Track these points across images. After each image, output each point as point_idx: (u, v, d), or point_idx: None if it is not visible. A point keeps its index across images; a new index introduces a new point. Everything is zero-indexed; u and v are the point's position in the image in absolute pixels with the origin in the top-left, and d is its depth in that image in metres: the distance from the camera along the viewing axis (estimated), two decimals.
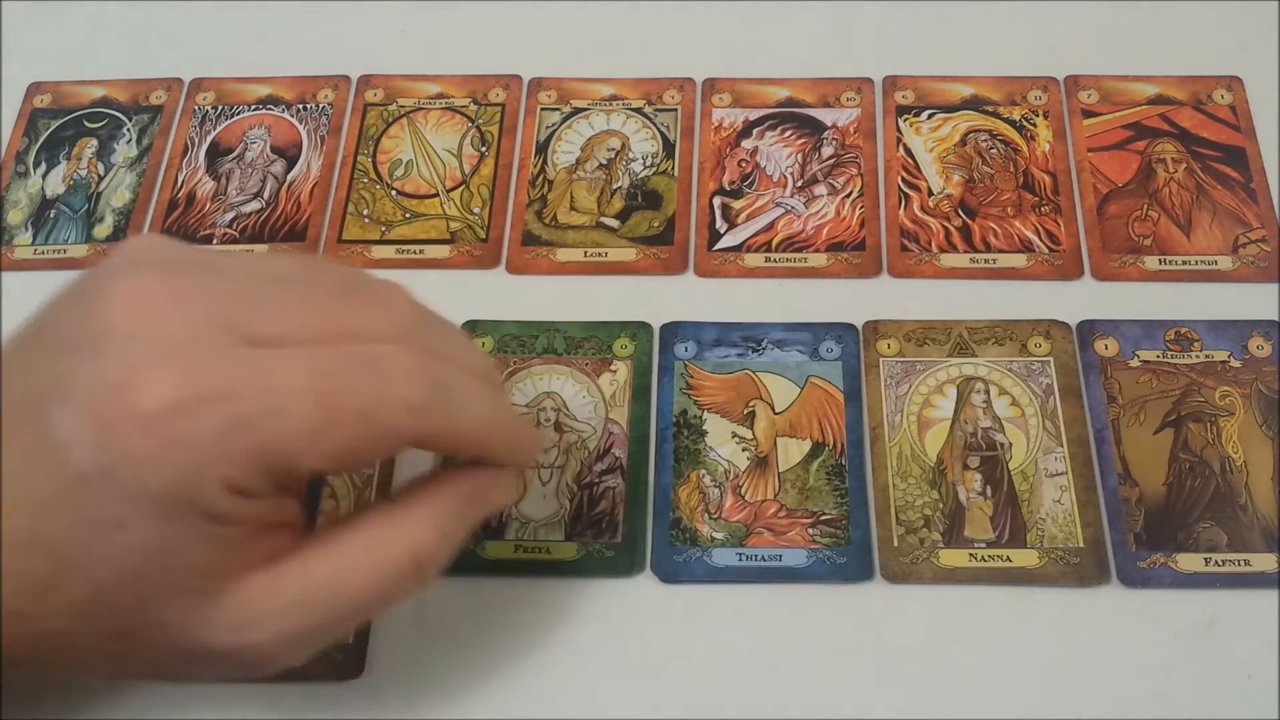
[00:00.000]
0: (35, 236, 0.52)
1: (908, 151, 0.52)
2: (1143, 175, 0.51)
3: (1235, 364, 0.46)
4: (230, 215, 0.52)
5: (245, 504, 0.30)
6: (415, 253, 0.51)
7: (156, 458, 0.28)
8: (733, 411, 0.46)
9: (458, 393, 0.32)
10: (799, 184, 0.51)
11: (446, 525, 0.33)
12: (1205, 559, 0.42)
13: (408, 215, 0.52)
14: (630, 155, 0.53)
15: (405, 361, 0.31)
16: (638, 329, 0.48)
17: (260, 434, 0.29)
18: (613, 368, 0.47)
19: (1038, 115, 0.53)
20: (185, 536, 0.29)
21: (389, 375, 0.31)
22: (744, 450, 0.45)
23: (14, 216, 0.52)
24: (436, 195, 0.52)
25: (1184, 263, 0.48)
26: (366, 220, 0.51)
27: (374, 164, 0.53)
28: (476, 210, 0.52)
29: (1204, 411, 0.45)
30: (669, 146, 0.53)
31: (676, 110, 0.54)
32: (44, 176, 0.54)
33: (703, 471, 0.44)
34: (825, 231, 0.50)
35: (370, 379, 0.31)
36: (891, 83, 0.54)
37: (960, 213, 0.50)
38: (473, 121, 0.54)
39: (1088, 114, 0.53)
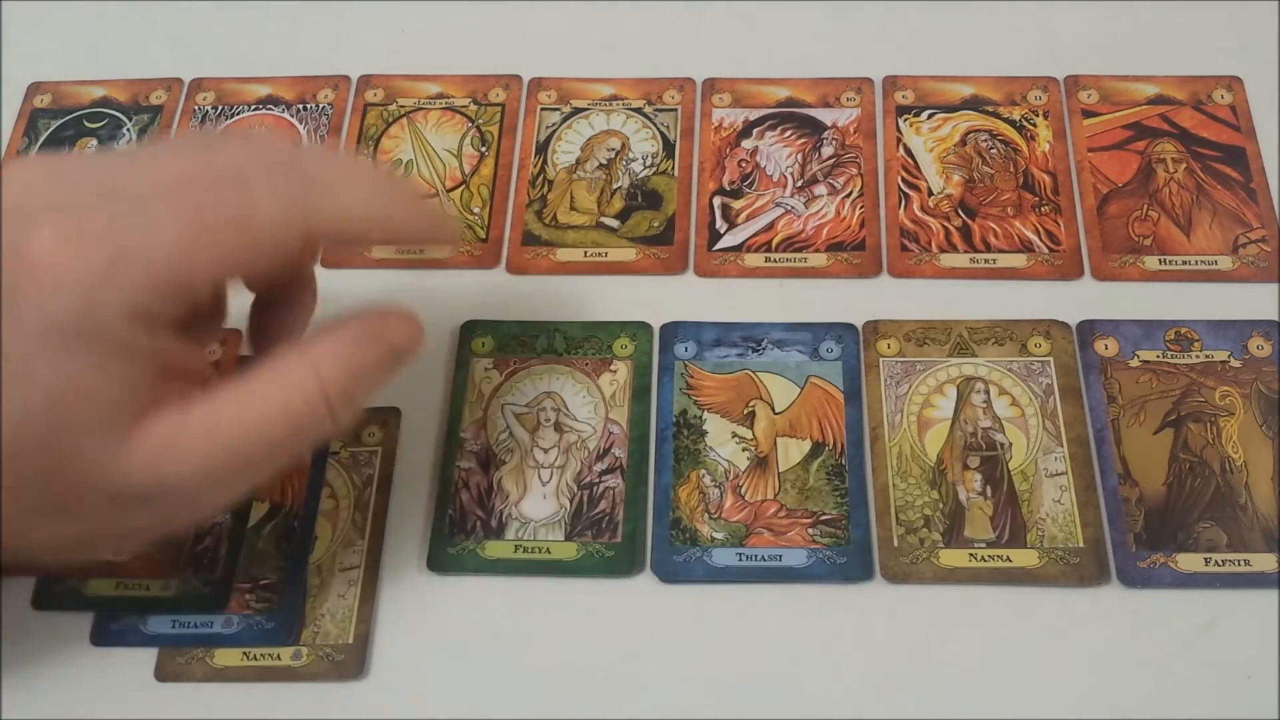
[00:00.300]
0: None
1: (908, 151, 0.52)
2: (1143, 175, 0.51)
3: (1235, 364, 0.46)
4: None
5: (150, 335, 0.32)
6: (415, 253, 0.50)
7: (52, 294, 0.31)
8: (733, 411, 0.46)
9: (330, 177, 0.35)
10: (799, 184, 0.51)
11: (349, 357, 0.35)
12: (1205, 559, 0.42)
13: None
14: (630, 155, 0.53)
15: (267, 164, 0.34)
16: (638, 329, 0.48)
17: (142, 258, 0.31)
18: (613, 368, 0.47)
19: (1038, 115, 0.53)
20: (94, 370, 0.31)
21: (252, 180, 0.33)
22: (744, 450, 0.45)
23: None
24: (436, 195, 0.52)
25: (1184, 263, 0.48)
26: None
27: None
28: (476, 210, 0.52)
29: (1204, 411, 0.45)
30: (669, 146, 0.53)
31: (676, 110, 0.54)
32: None
33: (703, 471, 0.44)
34: (825, 231, 0.50)
35: (234, 188, 0.33)
36: (891, 83, 0.54)
37: (960, 213, 0.50)
38: (473, 121, 0.54)
39: (1088, 114, 0.53)
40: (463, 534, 0.44)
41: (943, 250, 0.49)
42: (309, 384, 0.34)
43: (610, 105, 0.54)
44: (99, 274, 0.31)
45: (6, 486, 0.32)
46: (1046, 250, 0.49)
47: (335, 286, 0.50)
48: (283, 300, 0.39)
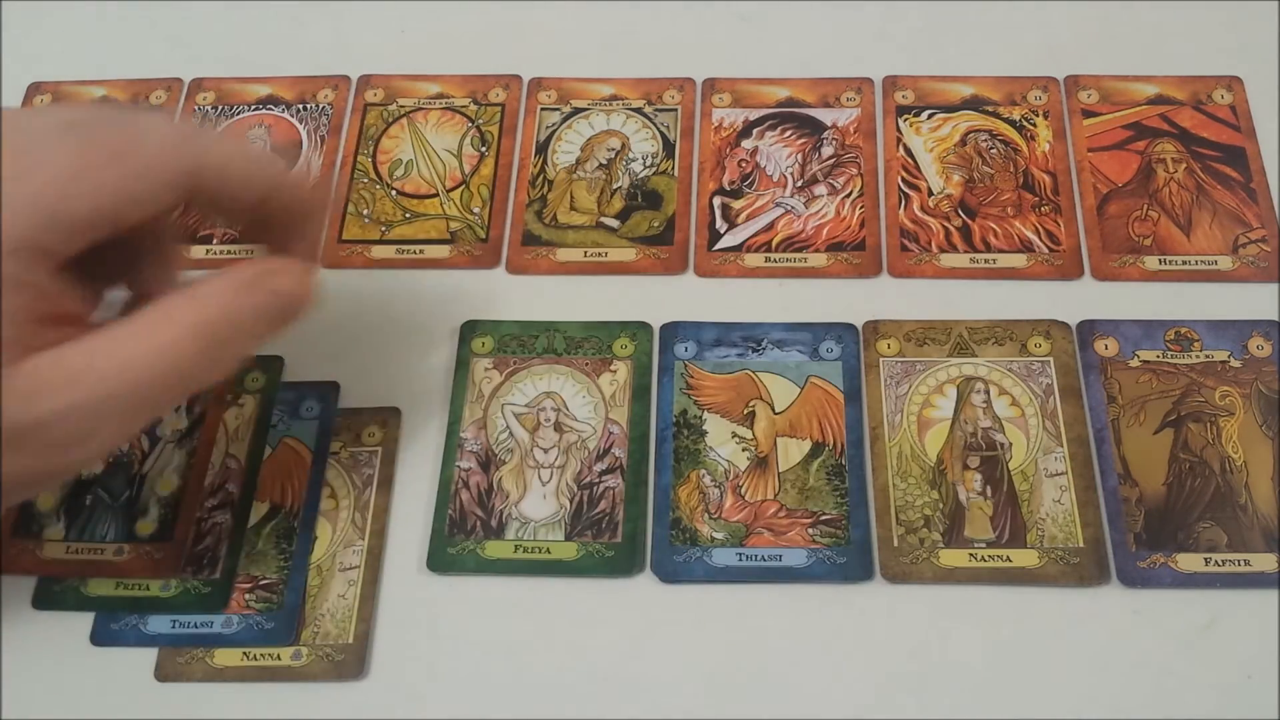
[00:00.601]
0: None
1: (908, 151, 0.52)
2: (1143, 175, 0.51)
3: (1235, 364, 0.46)
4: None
5: (31, 272, 0.33)
6: (415, 253, 0.51)
7: None
8: (733, 411, 0.46)
9: (214, 134, 0.37)
10: (799, 184, 0.51)
11: (230, 302, 0.35)
12: (1205, 559, 0.42)
13: (408, 215, 0.52)
14: (630, 155, 0.53)
15: (159, 116, 0.36)
16: (638, 329, 0.48)
17: (27, 190, 0.32)
18: (613, 368, 0.47)
19: (1038, 115, 0.53)
20: None
21: (143, 123, 0.35)
22: (744, 450, 0.45)
23: None
24: (436, 195, 0.52)
25: (1184, 263, 0.48)
26: (366, 220, 0.51)
27: (374, 164, 0.53)
28: (476, 210, 0.52)
29: (1204, 411, 0.45)
30: (669, 146, 0.53)
31: (676, 110, 0.54)
32: None
33: (703, 471, 0.44)
34: (825, 231, 0.50)
35: (124, 126, 0.34)
36: (891, 83, 0.54)
37: (960, 213, 0.50)
38: (473, 121, 0.54)
39: (1088, 114, 0.53)
40: (463, 534, 0.44)
41: (943, 250, 0.49)
42: (186, 332, 0.34)
43: (610, 105, 0.54)
44: None
45: None
46: (1046, 250, 0.49)
47: (336, 287, 0.50)
48: (150, 259, 0.39)
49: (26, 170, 0.33)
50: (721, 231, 0.50)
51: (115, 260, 0.37)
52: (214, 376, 0.36)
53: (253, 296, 0.36)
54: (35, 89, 0.57)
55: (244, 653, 0.41)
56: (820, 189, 0.51)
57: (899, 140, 0.52)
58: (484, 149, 0.53)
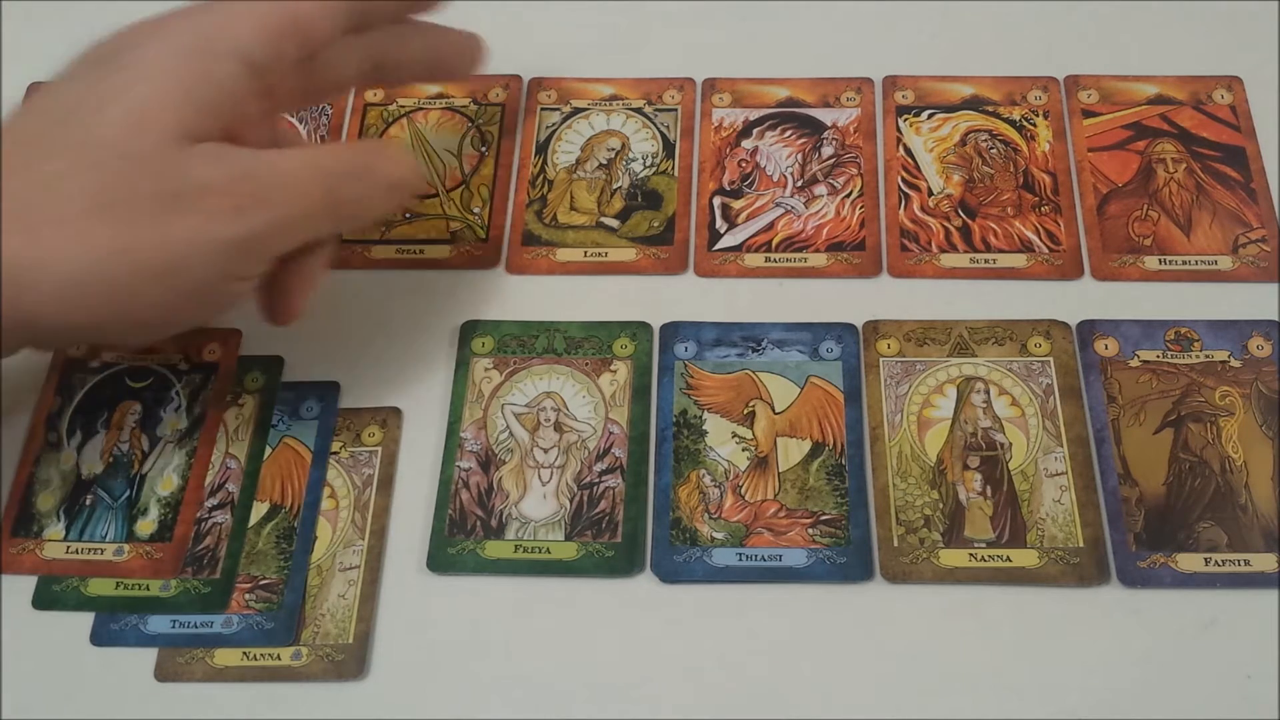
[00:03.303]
0: None
1: (908, 151, 0.52)
2: (1143, 175, 0.51)
3: (1235, 364, 0.46)
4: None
5: (245, 73, 0.39)
6: (415, 253, 0.51)
7: (180, 24, 0.41)
8: (733, 411, 0.46)
9: None
10: (799, 184, 0.51)
11: (368, 156, 0.43)
12: (1205, 559, 0.42)
13: (407, 215, 0.52)
14: (630, 155, 0.53)
15: None
16: (638, 329, 0.48)
17: (250, 24, 0.40)
18: (613, 368, 0.47)
19: (1038, 115, 0.53)
20: (201, 72, 0.39)
21: None
22: (744, 450, 0.45)
23: None
24: (436, 195, 0.52)
25: (1184, 263, 0.48)
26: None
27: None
28: (476, 210, 0.52)
29: (1204, 411, 0.45)
30: (669, 146, 0.53)
31: (676, 110, 0.54)
32: None
33: (703, 471, 0.44)
34: (825, 231, 0.50)
35: None
36: (891, 83, 0.54)
37: (960, 213, 0.50)
38: (473, 121, 0.54)
39: (1088, 114, 0.53)
40: (463, 534, 0.44)
41: (943, 250, 0.49)
42: (338, 159, 0.42)
43: (610, 105, 0.54)
44: (220, 14, 0.40)
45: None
46: (1046, 250, 0.49)
47: (336, 287, 0.50)
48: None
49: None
50: (721, 231, 0.50)
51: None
52: (341, 220, 0.42)
53: (380, 159, 0.43)
54: (35, 89, 0.56)
55: (244, 653, 0.41)
56: (820, 189, 0.51)
57: (899, 140, 0.52)
58: (484, 149, 0.53)
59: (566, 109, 0.54)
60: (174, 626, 0.42)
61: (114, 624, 0.42)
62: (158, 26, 0.40)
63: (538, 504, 0.44)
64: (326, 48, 0.42)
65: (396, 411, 0.46)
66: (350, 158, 0.43)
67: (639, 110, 0.54)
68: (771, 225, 0.50)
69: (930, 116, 0.53)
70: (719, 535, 0.43)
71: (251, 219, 0.38)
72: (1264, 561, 0.42)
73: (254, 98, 0.40)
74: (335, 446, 0.46)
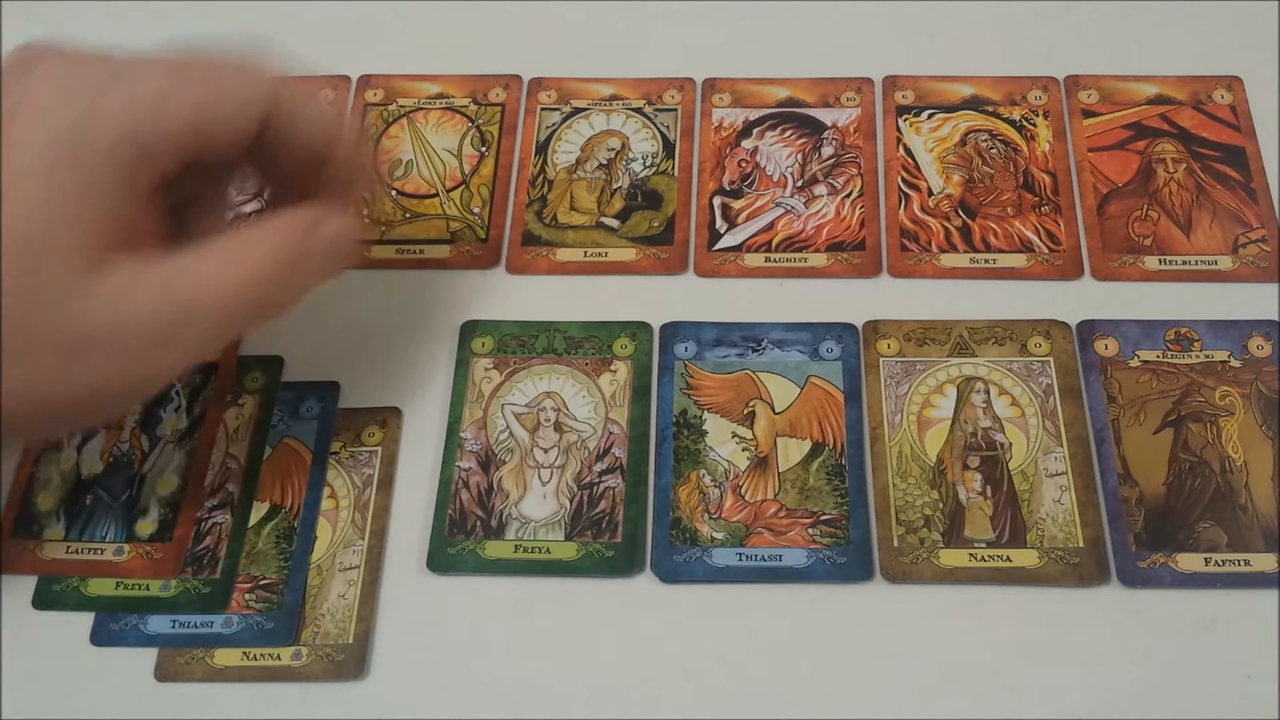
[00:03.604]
0: None
1: (908, 151, 0.52)
2: (1143, 175, 0.51)
3: (1235, 364, 0.46)
4: (230, 215, 0.52)
5: (123, 175, 0.35)
6: (415, 253, 0.51)
7: (43, 119, 0.34)
8: (733, 411, 0.46)
9: (290, 79, 0.39)
10: (799, 184, 0.51)
11: (293, 242, 0.38)
12: (1205, 559, 0.42)
13: (408, 215, 0.52)
14: (630, 155, 0.53)
15: (241, 59, 0.39)
16: (638, 329, 0.48)
17: (126, 97, 0.35)
18: (613, 368, 0.47)
19: (1038, 115, 0.53)
20: (71, 192, 0.34)
21: (227, 54, 0.38)
22: (744, 450, 0.45)
23: None
24: (436, 195, 0.52)
25: (1184, 263, 0.48)
26: (366, 220, 0.51)
27: (374, 164, 0.53)
28: (476, 210, 0.52)
29: (1204, 411, 0.45)
30: (669, 146, 0.53)
31: (676, 110, 0.54)
32: None
33: (703, 471, 0.44)
34: (825, 231, 0.50)
35: (211, 55, 0.38)
36: (891, 83, 0.54)
37: (960, 213, 0.50)
38: (473, 121, 0.54)
39: (1088, 114, 0.53)
40: (463, 534, 0.44)
41: (943, 250, 0.49)
42: (264, 261, 0.37)
43: (610, 105, 0.54)
44: (86, 106, 0.34)
45: None
46: (1046, 250, 0.49)
47: (336, 287, 0.50)
48: (208, 199, 0.41)
49: (129, 80, 0.35)
50: (721, 231, 0.50)
51: (181, 195, 0.39)
52: (278, 310, 0.38)
53: (312, 240, 0.39)
54: None
55: (244, 653, 0.41)
56: (820, 189, 0.51)
57: (899, 140, 0.52)
58: (484, 149, 0.53)
59: (566, 109, 0.54)
60: (174, 626, 0.42)
61: (114, 624, 0.42)
62: (31, 116, 0.35)
63: (538, 504, 0.44)
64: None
65: (396, 411, 0.46)
66: (283, 250, 0.38)
67: (639, 110, 0.54)
68: (771, 225, 0.50)
69: (930, 116, 0.53)
70: (719, 535, 0.43)
71: (166, 355, 0.36)
72: (1264, 561, 0.42)
73: (151, 199, 0.36)
74: (335, 446, 0.46)
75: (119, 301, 0.34)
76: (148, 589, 0.43)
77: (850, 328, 0.47)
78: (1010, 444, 0.44)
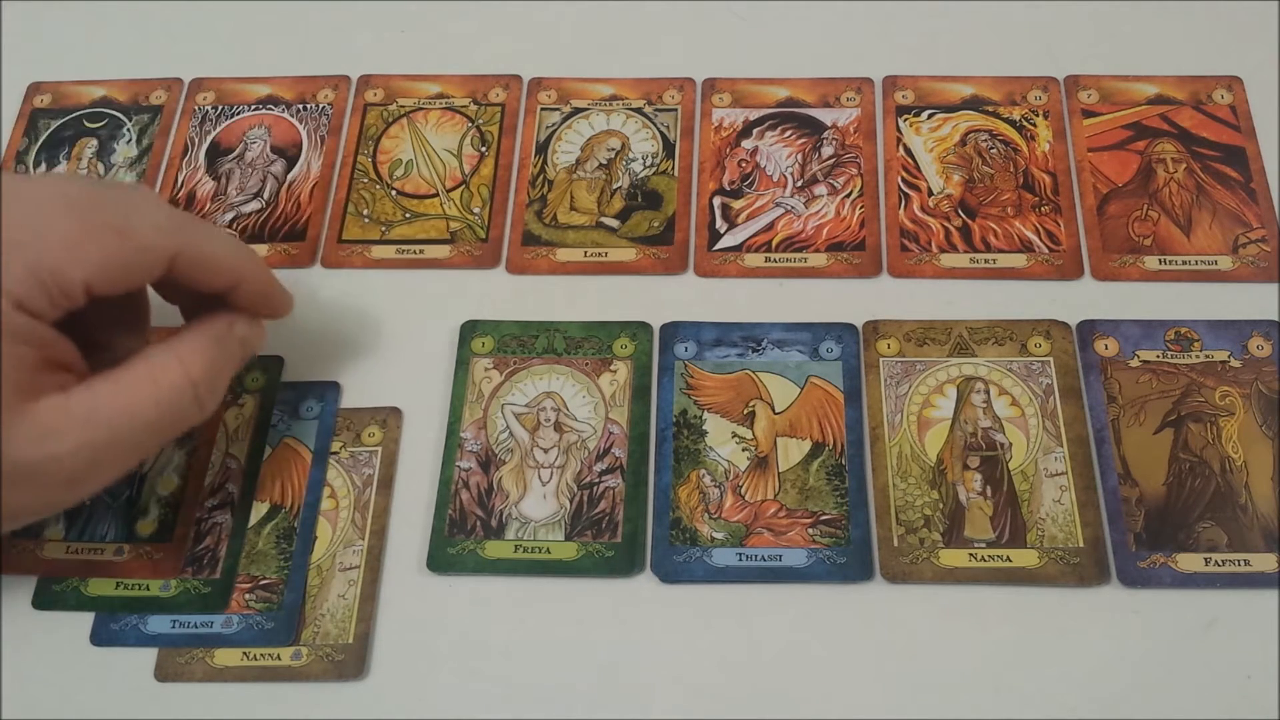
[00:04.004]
0: None
1: (908, 151, 0.52)
2: (1143, 175, 0.51)
3: (1235, 364, 0.46)
4: (230, 215, 0.52)
5: (33, 324, 0.36)
6: (415, 253, 0.51)
7: None
8: (733, 411, 0.46)
9: (201, 225, 0.41)
10: (799, 184, 0.51)
11: (208, 350, 0.40)
12: (1205, 559, 0.42)
13: (408, 215, 0.52)
14: (630, 155, 0.53)
15: (151, 196, 0.40)
16: (638, 329, 0.48)
17: (30, 251, 0.35)
18: (613, 368, 0.47)
19: (1038, 115, 0.53)
20: None
21: (137, 203, 0.38)
22: (744, 450, 0.45)
23: None
24: (436, 195, 0.52)
25: (1184, 263, 0.48)
26: (366, 220, 0.51)
27: (374, 164, 0.53)
28: (476, 210, 0.52)
29: (1204, 411, 0.45)
30: (669, 146, 0.53)
31: (676, 110, 0.54)
32: None
33: (703, 471, 0.44)
34: (825, 231, 0.50)
35: (121, 205, 0.38)
36: (891, 83, 0.54)
37: (960, 213, 0.50)
38: (473, 121, 0.54)
39: (1088, 114, 0.53)
40: (463, 534, 0.44)
41: (943, 250, 0.49)
42: (176, 373, 0.38)
43: (610, 105, 0.54)
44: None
45: None
46: (1046, 250, 0.49)
47: (336, 287, 0.50)
48: (127, 319, 0.42)
49: (32, 236, 0.36)
50: (721, 231, 0.50)
51: (98, 318, 0.40)
52: (201, 417, 0.39)
53: (226, 347, 0.41)
54: (35, 89, 0.57)
55: (244, 653, 0.41)
56: (820, 189, 0.51)
57: (899, 140, 0.52)
58: (484, 149, 0.53)
59: (566, 109, 0.54)
60: (174, 626, 0.42)
61: (114, 624, 0.42)
62: None
63: (538, 504, 0.44)
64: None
65: (396, 411, 0.46)
66: (201, 362, 0.39)
67: (639, 110, 0.54)
68: (771, 225, 0.50)
69: (930, 116, 0.53)
70: (719, 535, 0.43)
71: (96, 477, 0.37)
72: (1264, 561, 0.42)
73: (60, 338, 0.37)
74: (335, 446, 0.46)
75: (45, 444, 0.36)
76: (148, 589, 0.43)
77: (850, 328, 0.47)
78: (1010, 444, 0.44)
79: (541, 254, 0.50)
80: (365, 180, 0.53)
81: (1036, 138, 0.52)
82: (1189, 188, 0.50)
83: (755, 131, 0.53)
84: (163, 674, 0.41)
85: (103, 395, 0.37)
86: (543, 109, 0.54)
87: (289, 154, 0.54)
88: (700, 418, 0.46)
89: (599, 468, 0.45)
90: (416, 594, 0.43)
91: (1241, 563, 0.42)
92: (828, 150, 0.52)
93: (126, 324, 0.42)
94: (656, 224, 0.51)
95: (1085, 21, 0.56)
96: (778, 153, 0.52)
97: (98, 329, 0.41)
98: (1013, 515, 0.43)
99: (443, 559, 0.43)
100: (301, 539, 0.43)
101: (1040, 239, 0.49)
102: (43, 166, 0.54)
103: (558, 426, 0.46)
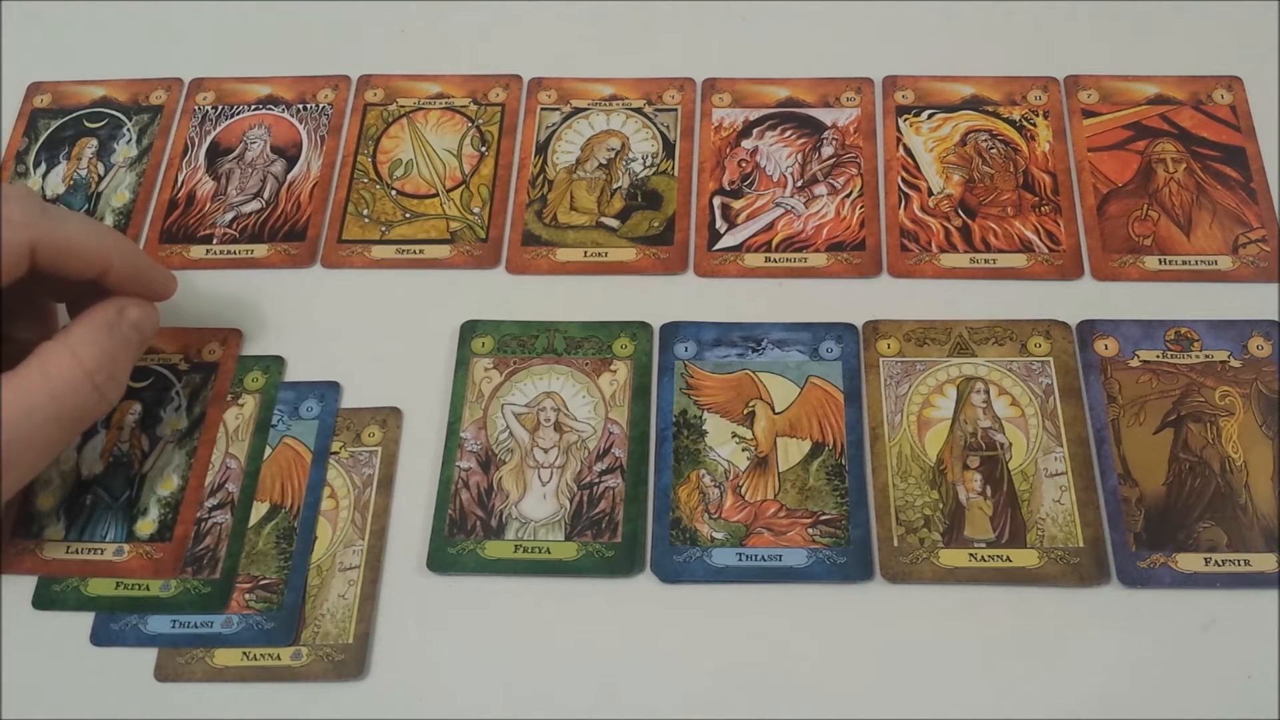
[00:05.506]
0: None
1: (908, 151, 0.52)
2: (1143, 175, 0.51)
3: (1235, 364, 0.46)
4: (230, 215, 0.52)
5: None
6: (415, 253, 0.51)
7: None
8: (733, 411, 0.46)
9: (59, 214, 0.40)
10: (799, 184, 0.51)
11: (101, 340, 0.40)
12: (1205, 559, 0.42)
13: (408, 215, 0.52)
14: (630, 155, 0.53)
15: (8, 193, 0.39)
16: (638, 329, 0.48)
17: None
18: (613, 368, 0.47)
19: (1038, 115, 0.53)
20: None
21: None
22: (744, 450, 0.45)
23: None
24: (436, 195, 0.52)
25: (1184, 263, 0.48)
26: (366, 220, 0.51)
27: (374, 164, 0.53)
28: (476, 210, 0.52)
29: (1204, 411, 0.45)
30: (669, 146, 0.53)
31: (676, 110, 0.54)
32: (44, 176, 0.54)
33: (703, 471, 0.44)
34: (825, 231, 0.50)
35: None
36: (891, 83, 0.54)
37: (960, 213, 0.50)
38: (473, 121, 0.54)
39: (1088, 114, 0.53)
40: (463, 534, 0.44)
41: (943, 250, 0.49)
42: (68, 365, 0.39)
43: (610, 105, 0.54)
44: None
45: None
46: (1046, 250, 0.49)
47: (336, 287, 0.50)
48: (26, 312, 0.43)
49: None
50: (721, 231, 0.50)
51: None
52: (105, 406, 0.40)
53: (118, 333, 0.41)
54: (35, 89, 0.57)
55: (244, 653, 0.41)
56: (820, 189, 0.51)
57: (899, 140, 0.52)
58: (484, 149, 0.53)
59: (566, 109, 0.54)
60: (174, 626, 0.42)
61: (114, 624, 0.42)
62: None
63: (538, 504, 0.44)
64: None
65: (396, 411, 0.46)
66: (94, 356, 0.39)
67: (639, 110, 0.54)
68: (771, 225, 0.50)
69: (930, 116, 0.53)
70: (719, 535, 0.43)
71: (3, 483, 0.38)
72: (1264, 561, 0.42)
73: None
74: (335, 446, 0.46)
75: None
76: (148, 589, 0.43)
77: (850, 328, 0.47)
78: (1010, 444, 0.44)
79: (541, 254, 0.50)
80: (365, 180, 0.53)
81: (1036, 138, 0.52)
82: (1189, 188, 0.50)
83: (755, 131, 0.53)
84: (163, 674, 0.41)
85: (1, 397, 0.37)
86: (543, 109, 0.54)
87: (289, 154, 0.54)
88: (700, 418, 0.46)
89: (599, 468, 0.45)
90: (416, 594, 0.43)
91: (1241, 563, 0.42)
92: (828, 150, 0.52)
93: (26, 324, 0.42)
94: (656, 224, 0.51)
95: (1085, 21, 0.56)
96: (778, 153, 0.52)
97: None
98: (1013, 515, 0.43)
99: (443, 559, 0.43)
100: (301, 539, 0.43)
101: (1040, 239, 0.49)
102: (43, 166, 0.54)
103: (558, 426, 0.46)
